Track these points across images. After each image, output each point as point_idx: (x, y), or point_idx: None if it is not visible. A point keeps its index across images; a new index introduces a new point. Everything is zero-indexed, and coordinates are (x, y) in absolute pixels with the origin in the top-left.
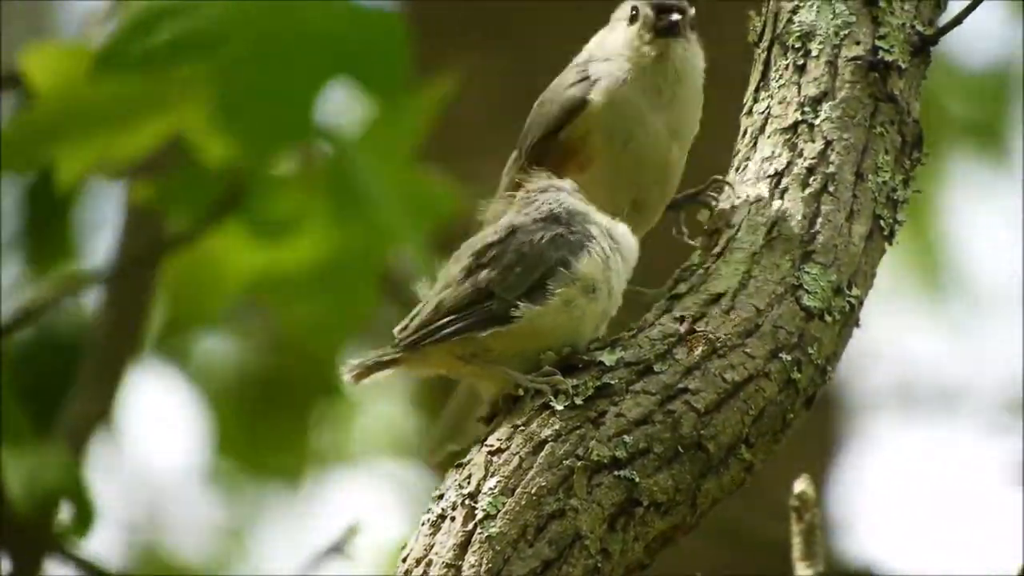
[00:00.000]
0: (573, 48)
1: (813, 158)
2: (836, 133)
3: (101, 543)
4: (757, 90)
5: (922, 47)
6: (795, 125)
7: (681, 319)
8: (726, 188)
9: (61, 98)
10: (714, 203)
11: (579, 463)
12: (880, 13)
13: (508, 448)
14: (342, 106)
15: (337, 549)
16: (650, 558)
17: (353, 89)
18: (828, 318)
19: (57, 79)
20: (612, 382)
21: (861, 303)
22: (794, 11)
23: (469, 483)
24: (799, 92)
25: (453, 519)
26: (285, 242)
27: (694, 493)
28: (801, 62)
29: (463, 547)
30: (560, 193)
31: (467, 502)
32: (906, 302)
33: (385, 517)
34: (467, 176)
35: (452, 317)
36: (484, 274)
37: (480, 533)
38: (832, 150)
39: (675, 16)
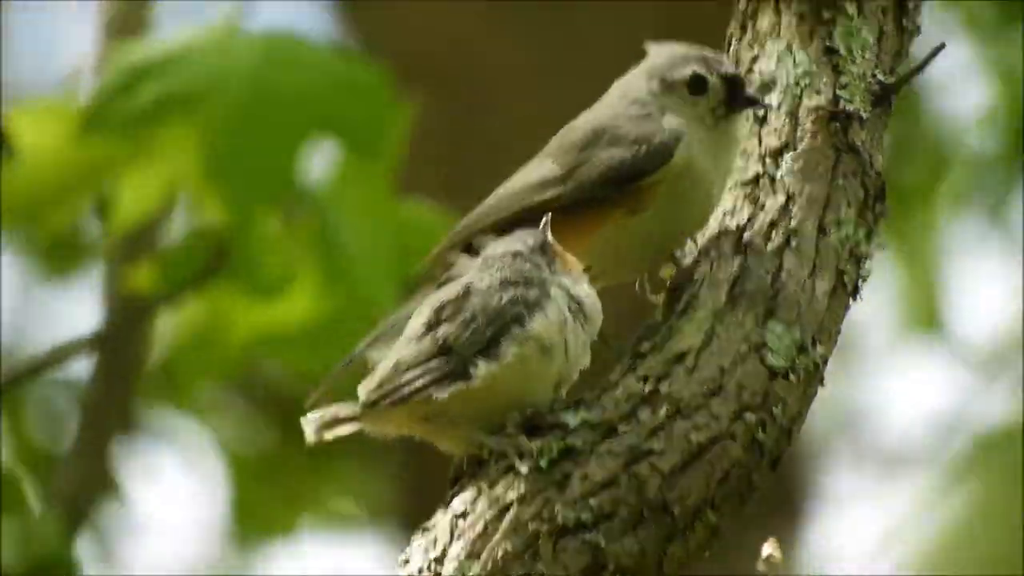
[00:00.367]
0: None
1: (775, 212)
2: (798, 186)
3: None
4: None
5: (884, 96)
6: (756, 178)
7: (645, 379)
8: (687, 243)
9: (46, 157)
10: (681, 258)
11: (545, 527)
12: (841, 62)
13: (473, 512)
14: (323, 153)
15: None
16: None
17: (337, 146)
18: (793, 377)
19: (43, 138)
20: (577, 444)
21: (826, 361)
22: (754, 60)
23: (435, 547)
24: (760, 144)
25: None
26: (278, 300)
27: (660, 557)
28: (761, 113)
29: None
30: (519, 257)
31: (433, 567)
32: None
33: None
34: None
35: (411, 375)
36: (442, 330)
37: None
38: (794, 204)
39: (750, 92)
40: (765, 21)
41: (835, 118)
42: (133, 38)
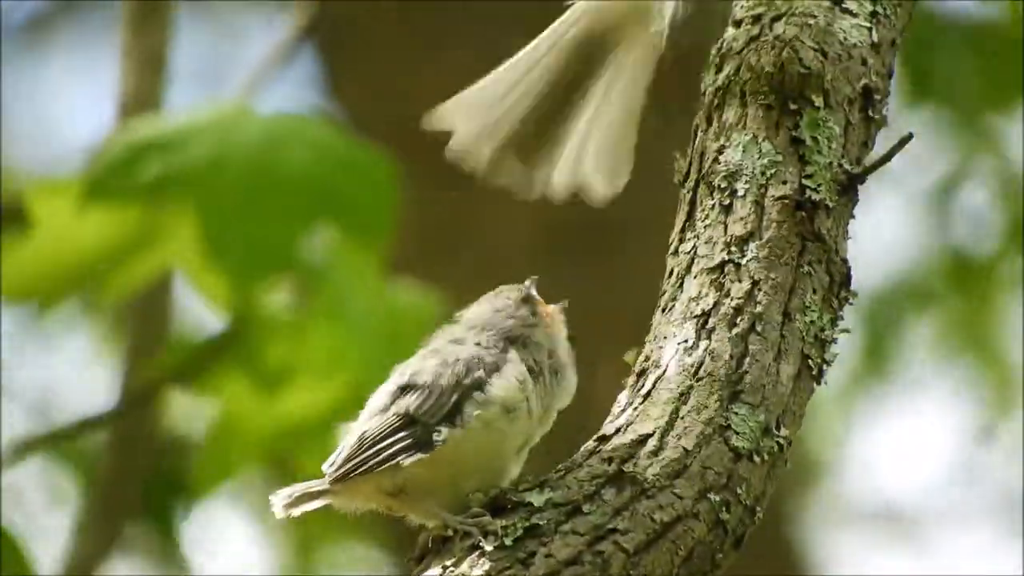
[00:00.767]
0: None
1: (740, 298)
2: (763, 273)
3: None
4: (683, 230)
5: (850, 185)
6: (722, 265)
7: (609, 460)
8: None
9: (55, 232)
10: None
11: None
12: (807, 152)
13: None
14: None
15: None
16: None
17: (335, 229)
18: (757, 459)
19: (57, 215)
20: (541, 523)
21: (790, 443)
22: (720, 150)
23: None
24: (726, 232)
25: None
26: (284, 391)
27: None
28: (727, 202)
29: None
30: (479, 328)
31: None
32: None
33: None
34: None
35: (377, 447)
36: (405, 400)
37: None
38: (759, 290)
39: None
40: (731, 113)
41: (801, 207)
42: (144, 115)
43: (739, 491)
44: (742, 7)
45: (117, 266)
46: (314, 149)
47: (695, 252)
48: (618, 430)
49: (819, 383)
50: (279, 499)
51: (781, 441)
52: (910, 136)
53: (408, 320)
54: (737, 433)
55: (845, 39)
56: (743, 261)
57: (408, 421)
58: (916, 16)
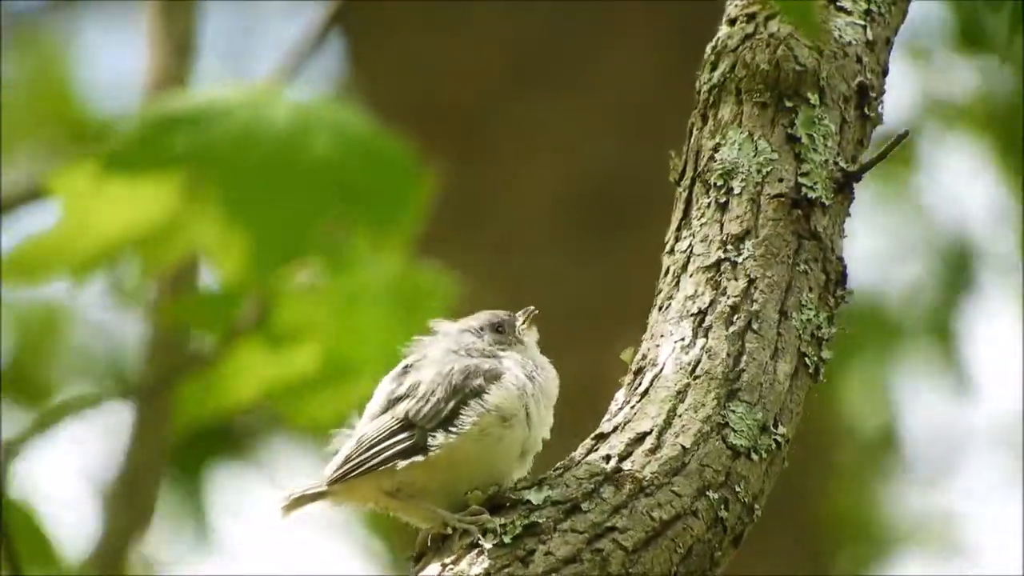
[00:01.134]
0: (524, 154)
1: (736, 296)
2: (759, 271)
3: None
4: (679, 228)
5: (845, 183)
6: (718, 263)
7: (607, 458)
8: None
9: (79, 210)
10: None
11: None
12: (803, 150)
13: None
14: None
15: None
16: None
17: (358, 215)
18: (755, 456)
19: (81, 193)
20: (540, 520)
21: (788, 441)
22: (715, 149)
23: None
24: (721, 230)
25: None
26: (295, 350)
27: None
28: (723, 200)
29: None
30: (466, 334)
31: None
32: None
33: None
34: None
35: (375, 450)
36: (402, 406)
37: None
38: (755, 288)
39: None
40: (726, 110)
41: (797, 205)
42: (171, 92)
43: (738, 489)
44: (736, 5)
45: (142, 245)
46: (340, 135)
47: (691, 250)
48: (616, 428)
49: (816, 381)
50: (279, 500)
51: (779, 439)
52: (906, 134)
53: (425, 300)
54: (735, 431)
55: (840, 37)
56: (739, 259)
57: (405, 425)
58: None
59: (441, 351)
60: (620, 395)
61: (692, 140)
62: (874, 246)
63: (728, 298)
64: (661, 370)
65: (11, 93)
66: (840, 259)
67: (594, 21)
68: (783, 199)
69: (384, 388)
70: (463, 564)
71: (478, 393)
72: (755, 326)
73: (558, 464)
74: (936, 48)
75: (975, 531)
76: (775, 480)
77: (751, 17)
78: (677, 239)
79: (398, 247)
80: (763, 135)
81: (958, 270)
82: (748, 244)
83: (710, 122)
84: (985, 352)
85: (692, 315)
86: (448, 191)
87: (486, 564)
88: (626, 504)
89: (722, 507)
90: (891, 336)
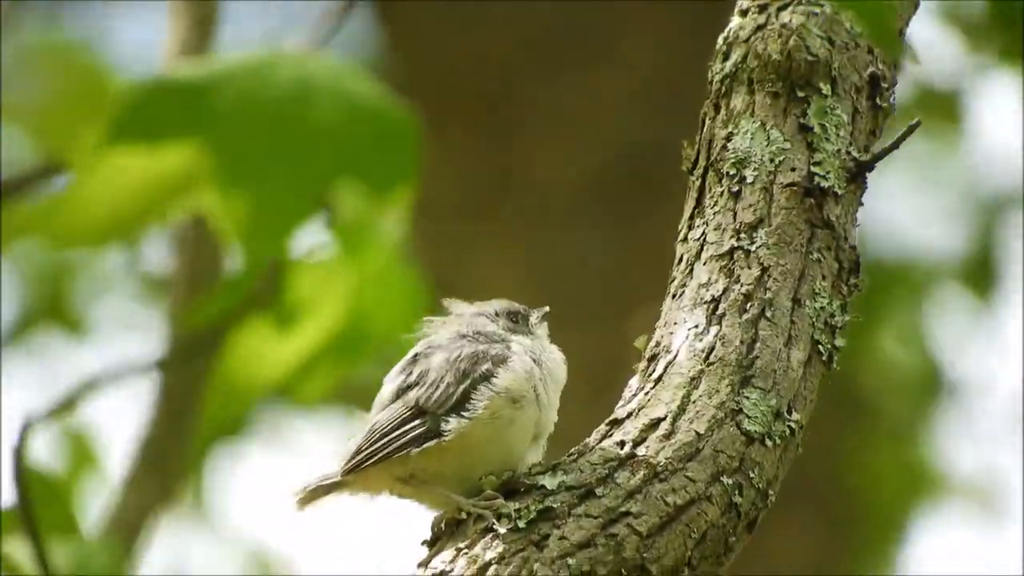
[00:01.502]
0: (550, 130)
1: (750, 284)
2: (773, 259)
3: None
4: (692, 217)
5: (858, 173)
6: (731, 251)
7: (622, 444)
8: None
9: (90, 181)
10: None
11: None
12: (815, 139)
13: (452, 571)
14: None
15: None
16: None
17: (357, 186)
18: (769, 442)
19: (93, 167)
20: (554, 505)
21: (802, 427)
22: (728, 138)
23: None
24: (735, 218)
25: None
26: (306, 325)
27: None
28: (736, 188)
29: None
30: (481, 317)
31: None
32: None
33: None
34: (444, 248)
35: (388, 438)
36: (413, 393)
37: None
38: (769, 276)
39: None
40: (739, 100)
41: (810, 194)
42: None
43: (752, 475)
44: None
45: (152, 211)
46: (342, 100)
47: (704, 239)
48: (630, 414)
49: (829, 368)
50: (294, 493)
51: (793, 425)
52: (918, 123)
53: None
54: (749, 417)
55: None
56: (752, 248)
57: (417, 412)
58: None
59: (450, 336)
60: (634, 381)
61: (705, 129)
62: (916, 202)
63: (741, 286)
64: (675, 357)
65: (39, 71)
66: (853, 248)
67: None
68: (796, 188)
69: (394, 378)
70: (477, 548)
71: (487, 377)
72: (768, 314)
73: (572, 450)
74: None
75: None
76: (789, 466)
77: (763, 8)
78: (690, 227)
79: (397, 213)
80: (776, 125)
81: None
82: (761, 233)
83: (722, 111)
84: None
85: (706, 303)
86: (476, 166)
87: (500, 548)
88: (640, 489)
89: (736, 492)
90: (928, 288)
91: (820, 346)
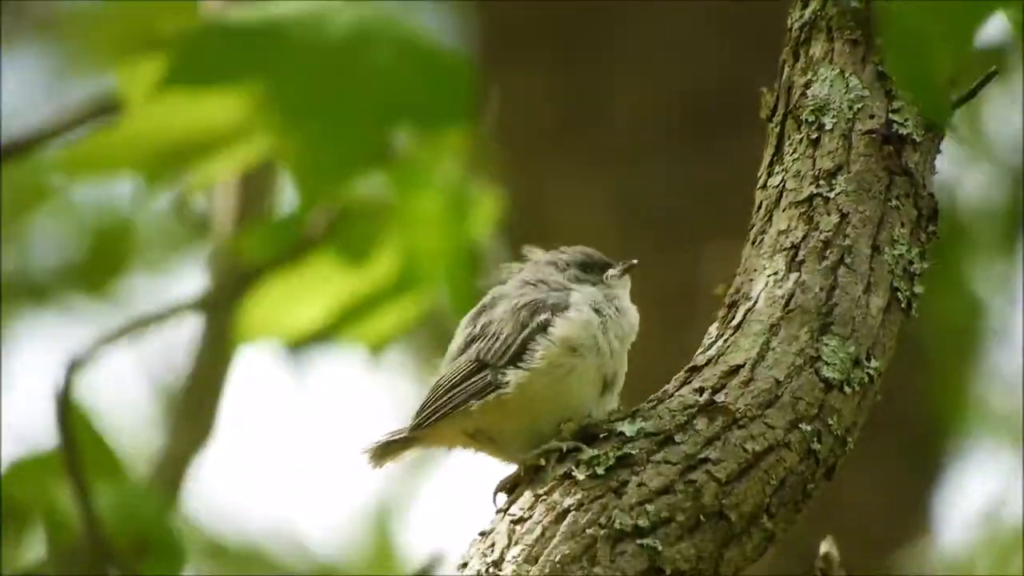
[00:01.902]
0: (631, 65)
1: (829, 231)
2: (852, 206)
3: None
4: (771, 164)
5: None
6: (810, 198)
7: (701, 391)
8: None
9: (144, 115)
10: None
11: (602, 532)
12: (894, 87)
13: (531, 517)
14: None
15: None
16: None
17: (413, 130)
18: (847, 389)
19: (147, 101)
20: (633, 452)
21: (880, 374)
22: (807, 85)
23: (493, 551)
24: (814, 165)
25: None
26: (363, 266)
27: (716, 562)
28: (815, 136)
29: None
30: (550, 266)
31: (491, 570)
32: None
33: None
34: (530, 188)
35: (451, 393)
36: (475, 346)
37: None
38: (848, 223)
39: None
40: (818, 48)
41: (888, 141)
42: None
43: (830, 422)
44: None
45: (205, 153)
46: (400, 46)
47: (784, 186)
48: (709, 361)
49: (908, 315)
50: (366, 450)
51: (871, 372)
52: (995, 72)
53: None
54: (828, 364)
55: None
56: (832, 194)
57: (479, 367)
58: None
59: (516, 284)
60: (713, 328)
61: (784, 77)
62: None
63: (821, 233)
64: (755, 304)
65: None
66: (931, 195)
67: None
68: (875, 135)
69: (463, 328)
70: (556, 495)
71: (544, 327)
72: (847, 260)
73: (651, 396)
74: None
75: None
76: (868, 414)
77: None
78: (770, 174)
79: (454, 158)
80: (854, 72)
81: None
82: (840, 179)
83: (801, 59)
84: None
85: (785, 249)
86: (558, 99)
87: (579, 495)
88: (719, 436)
89: (815, 439)
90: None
91: (899, 293)
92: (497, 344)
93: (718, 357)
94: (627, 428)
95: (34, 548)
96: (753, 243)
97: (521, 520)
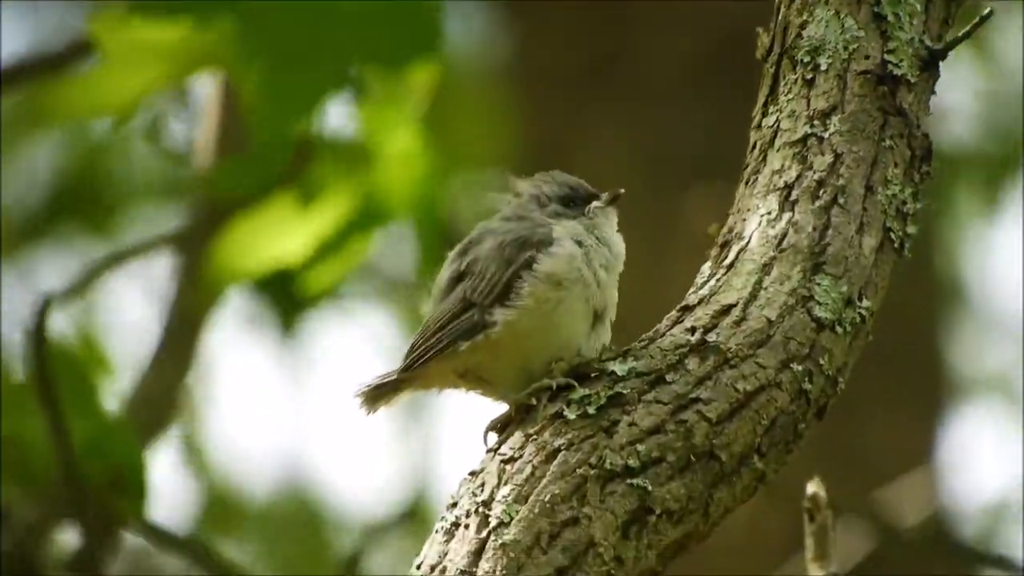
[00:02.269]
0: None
1: (823, 171)
2: (846, 146)
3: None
4: (766, 104)
5: (931, 61)
6: (805, 138)
7: (692, 330)
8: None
9: (117, 55)
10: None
11: (592, 471)
12: (889, 28)
13: (521, 457)
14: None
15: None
16: (663, 566)
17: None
18: (839, 329)
19: (119, 41)
20: (624, 392)
21: (872, 314)
22: (803, 26)
23: (483, 491)
24: (808, 105)
25: (467, 526)
26: (328, 203)
27: (707, 502)
28: (810, 76)
29: (477, 554)
30: (533, 200)
31: (481, 510)
32: None
33: None
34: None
35: (439, 334)
36: (462, 285)
37: (494, 540)
38: (842, 163)
39: None
40: None
41: (883, 81)
42: None
43: (822, 361)
44: None
45: (175, 79)
46: None
47: (778, 126)
48: (701, 300)
49: (901, 256)
50: (357, 393)
51: (863, 312)
52: (991, 13)
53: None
54: (820, 304)
55: None
56: (826, 134)
57: (466, 306)
58: None
59: (501, 219)
60: (706, 268)
61: (780, 17)
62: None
63: (814, 173)
64: (747, 243)
65: None
66: (926, 135)
67: None
68: (869, 76)
69: (449, 264)
70: (546, 434)
71: (530, 264)
72: (841, 200)
73: (643, 336)
74: None
75: None
76: (859, 354)
77: None
78: (764, 114)
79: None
80: (850, 13)
81: None
82: (834, 120)
83: (797, 0)
84: None
85: (778, 189)
86: (587, 40)
87: (570, 435)
88: (710, 376)
89: (806, 379)
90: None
91: (892, 233)
92: (483, 283)
93: (710, 296)
94: (618, 367)
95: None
96: (747, 183)
97: (511, 460)
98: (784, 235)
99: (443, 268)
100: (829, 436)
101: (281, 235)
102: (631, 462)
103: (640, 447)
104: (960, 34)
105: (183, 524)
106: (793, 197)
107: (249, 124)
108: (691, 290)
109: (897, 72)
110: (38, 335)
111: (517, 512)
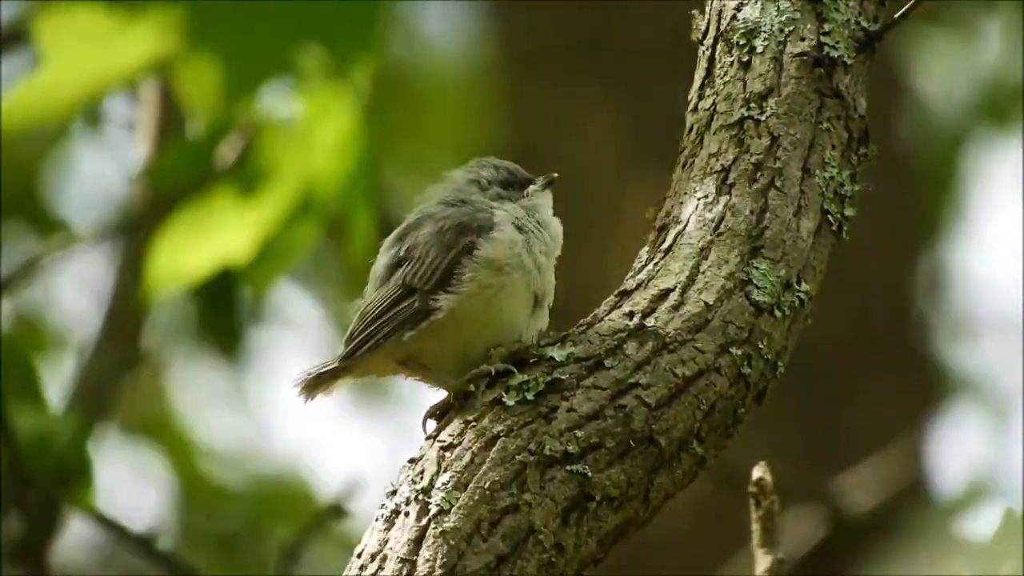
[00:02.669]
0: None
1: (760, 154)
2: (782, 129)
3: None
4: (702, 87)
5: (867, 43)
6: (741, 121)
7: (631, 315)
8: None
9: (63, 55)
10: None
11: (531, 458)
12: (824, 9)
13: (460, 443)
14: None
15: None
16: (603, 552)
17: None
18: (778, 313)
19: (64, 40)
20: (563, 377)
21: (811, 297)
22: (738, 8)
23: (422, 478)
24: (744, 88)
25: (407, 514)
26: (269, 191)
27: (647, 487)
28: (746, 59)
29: (417, 542)
30: (471, 185)
31: (420, 497)
32: None
33: None
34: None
35: (379, 322)
36: (401, 271)
37: (434, 528)
38: (779, 146)
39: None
40: None
41: (819, 63)
42: None
43: (761, 345)
44: None
45: (119, 75)
46: None
47: (714, 109)
48: (639, 285)
49: (839, 238)
50: (296, 381)
51: (802, 295)
52: None
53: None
54: (758, 287)
55: None
56: (762, 117)
57: (405, 292)
58: None
59: (439, 204)
60: (643, 252)
61: (712, 1)
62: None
63: (751, 155)
64: (684, 227)
65: None
66: (863, 117)
67: None
68: (805, 58)
69: (386, 249)
70: (485, 421)
71: (470, 249)
72: (778, 183)
73: (581, 321)
74: None
75: None
76: (798, 337)
77: None
78: (700, 97)
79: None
80: None
81: None
82: (771, 102)
83: None
84: None
85: (715, 172)
86: (575, 22)
87: (509, 421)
88: (649, 360)
89: (745, 363)
90: None
91: (830, 216)
92: (423, 268)
93: (648, 281)
94: (557, 353)
95: None
96: (683, 166)
97: (451, 447)
98: (721, 218)
99: (380, 254)
100: (815, 426)
101: (222, 229)
102: (570, 448)
103: (579, 433)
104: (896, 15)
105: (157, 511)
106: (730, 180)
107: (189, 110)
108: (629, 274)
109: (834, 54)
110: None
111: (457, 499)
